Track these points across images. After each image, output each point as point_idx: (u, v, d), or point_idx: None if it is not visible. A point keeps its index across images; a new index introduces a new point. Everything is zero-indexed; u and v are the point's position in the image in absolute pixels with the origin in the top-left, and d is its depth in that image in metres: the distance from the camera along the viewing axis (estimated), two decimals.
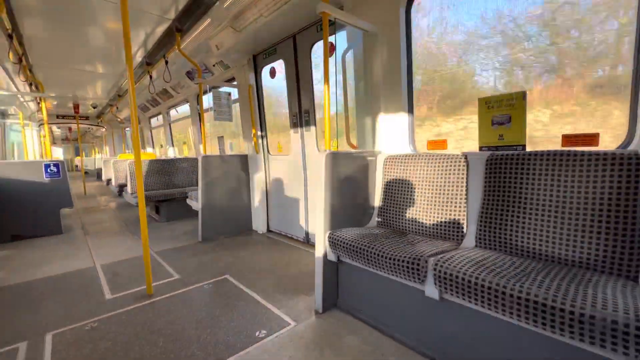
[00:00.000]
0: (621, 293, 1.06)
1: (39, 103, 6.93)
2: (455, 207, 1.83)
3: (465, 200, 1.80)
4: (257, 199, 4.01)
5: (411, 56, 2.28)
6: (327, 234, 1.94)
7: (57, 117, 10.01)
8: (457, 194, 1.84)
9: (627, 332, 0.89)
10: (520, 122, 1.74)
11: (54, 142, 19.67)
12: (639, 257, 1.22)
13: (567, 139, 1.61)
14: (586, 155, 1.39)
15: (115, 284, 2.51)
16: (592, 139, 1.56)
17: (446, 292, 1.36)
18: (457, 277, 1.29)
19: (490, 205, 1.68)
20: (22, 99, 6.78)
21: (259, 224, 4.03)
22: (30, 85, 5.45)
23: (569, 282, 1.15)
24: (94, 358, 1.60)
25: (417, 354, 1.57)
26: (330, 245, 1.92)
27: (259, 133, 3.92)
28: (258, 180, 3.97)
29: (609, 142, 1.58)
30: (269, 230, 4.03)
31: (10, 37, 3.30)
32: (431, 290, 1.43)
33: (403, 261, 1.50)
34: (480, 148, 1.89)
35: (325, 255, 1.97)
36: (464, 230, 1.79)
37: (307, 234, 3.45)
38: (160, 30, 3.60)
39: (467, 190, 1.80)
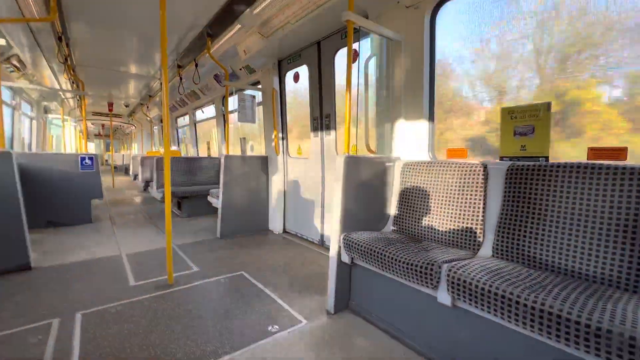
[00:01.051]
0: None
1: (78, 100, 7.43)
2: (473, 216, 1.82)
3: (483, 210, 1.79)
4: (275, 199, 4.11)
5: (434, 64, 2.29)
6: (342, 236, 1.97)
7: (93, 114, 10.66)
8: (475, 203, 1.83)
9: None
10: (544, 133, 1.72)
11: (87, 137, 20.86)
12: None
13: (594, 152, 1.58)
14: (612, 169, 1.35)
15: (139, 272, 2.65)
16: (620, 152, 1.51)
17: (459, 299, 1.36)
18: (470, 284, 1.29)
19: (509, 216, 1.66)
20: (63, 96, 7.30)
21: (275, 224, 4.12)
22: (73, 83, 5.87)
23: (587, 297, 1.13)
24: (119, 338, 1.71)
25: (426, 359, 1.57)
26: (344, 246, 1.95)
27: (280, 135, 4.03)
28: (277, 182, 4.07)
29: None
30: (285, 231, 4.11)
31: (59, 39, 3.60)
32: (444, 296, 1.44)
33: (417, 266, 1.51)
34: (501, 158, 1.88)
35: (339, 257, 2.00)
36: (481, 239, 1.77)
37: (322, 236, 3.49)
38: (192, 35, 3.81)
39: (485, 199, 1.79)
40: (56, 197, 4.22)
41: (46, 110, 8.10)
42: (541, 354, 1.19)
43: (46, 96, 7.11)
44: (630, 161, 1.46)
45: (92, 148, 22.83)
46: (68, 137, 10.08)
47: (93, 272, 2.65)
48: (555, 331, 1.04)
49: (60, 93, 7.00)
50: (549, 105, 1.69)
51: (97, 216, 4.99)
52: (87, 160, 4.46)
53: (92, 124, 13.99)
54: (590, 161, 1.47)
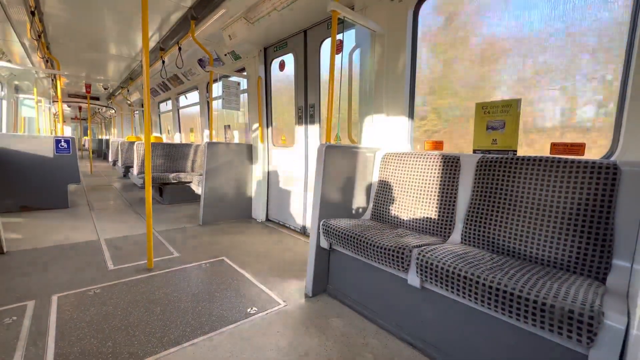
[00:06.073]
0: (584, 290, 1.15)
1: (52, 80, 7.08)
2: (446, 205, 1.92)
3: (454, 199, 1.89)
4: (258, 187, 4.12)
5: (415, 58, 2.35)
6: (322, 222, 2.04)
7: (69, 95, 10.18)
8: (448, 193, 1.93)
9: (581, 321, 0.98)
10: (514, 128, 1.82)
11: (63, 119, 19.88)
12: (608, 260, 1.31)
13: (555, 147, 1.69)
14: (569, 163, 1.47)
15: (118, 257, 2.64)
16: (579, 148, 1.63)
17: (427, 280, 1.46)
18: (437, 266, 1.38)
19: (478, 205, 1.76)
20: (37, 76, 6.93)
21: (258, 212, 4.14)
22: (47, 62, 5.59)
23: (538, 278, 1.24)
24: (96, 320, 1.72)
25: (396, 338, 1.67)
26: (323, 232, 2.02)
27: (265, 124, 4.02)
28: (260, 170, 4.08)
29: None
30: (267, 219, 4.15)
31: (32, 13, 3.42)
32: (413, 278, 1.53)
33: (389, 250, 1.59)
34: (474, 151, 1.98)
35: (318, 242, 2.07)
36: (452, 227, 1.88)
37: (304, 225, 3.55)
38: (176, 17, 3.70)
39: (456, 189, 1.89)
40: (30, 181, 4.07)
41: (17, 90, 7.68)
42: (499, 330, 1.30)
43: (18, 74, 6.73)
44: (586, 156, 1.59)
45: (68, 132, 21.85)
46: (42, 120, 9.61)
47: (69, 257, 2.61)
48: (508, 307, 1.15)
49: (34, 72, 6.65)
50: (519, 101, 1.79)
51: (74, 201, 4.85)
52: (63, 143, 4.30)
53: (69, 106, 13.36)
54: (552, 155, 1.58)
